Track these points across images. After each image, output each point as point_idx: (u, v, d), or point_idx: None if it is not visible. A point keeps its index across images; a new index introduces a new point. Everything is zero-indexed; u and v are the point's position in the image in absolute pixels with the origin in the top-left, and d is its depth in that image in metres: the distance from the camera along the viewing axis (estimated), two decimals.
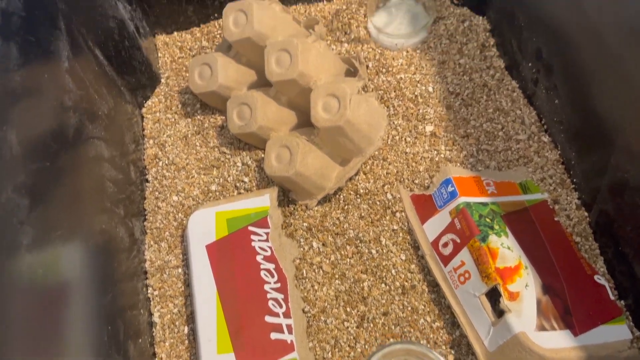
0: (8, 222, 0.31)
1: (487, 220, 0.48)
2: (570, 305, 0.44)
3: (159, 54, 0.65)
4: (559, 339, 0.42)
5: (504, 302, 0.43)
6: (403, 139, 0.56)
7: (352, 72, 0.58)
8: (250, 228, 0.50)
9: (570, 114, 0.49)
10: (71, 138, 0.42)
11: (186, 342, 0.49)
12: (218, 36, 0.65)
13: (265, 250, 0.49)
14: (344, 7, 0.65)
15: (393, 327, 0.48)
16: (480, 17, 0.61)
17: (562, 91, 0.50)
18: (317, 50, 0.53)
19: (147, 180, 0.57)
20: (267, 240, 0.49)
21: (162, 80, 0.64)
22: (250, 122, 0.53)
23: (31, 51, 0.39)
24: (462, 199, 0.49)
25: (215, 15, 0.66)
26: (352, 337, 0.48)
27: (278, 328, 0.46)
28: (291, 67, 0.51)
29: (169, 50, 0.66)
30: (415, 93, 0.58)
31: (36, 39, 0.40)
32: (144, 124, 0.61)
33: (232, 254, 0.49)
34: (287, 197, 0.54)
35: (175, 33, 0.67)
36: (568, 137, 0.50)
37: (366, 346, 0.47)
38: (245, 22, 0.54)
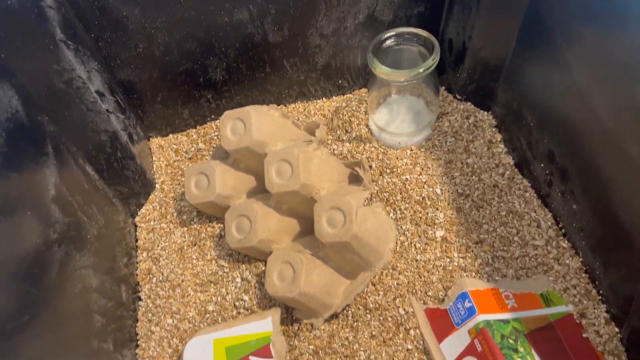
0: None
1: (511, 341, 0.44)
2: None
3: (154, 158, 0.63)
4: None
5: None
6: (413, 245, 0.53)
7: (355, 176, 0.55)
8: (252, 358, 0.45)
9: (592, 221, 0.46)
10: (55, 278, 0.38)
11: None
12: (215, 137, 0.63)
13: None
14: (344, 104, 0.64)
15: None
16: (485, 113, 0.60)
17: (580, 197, 0.47)
18: (319, 159, 0.51)
19: (139, 299, 0.53)
20: None
21: (157, 186, 0.61)
22: (250, 236, 0.50)
23: (14, 190, 0.36)
24: (481, 317, 0.45)
25: (212, 116, 0.64)
26: None
27: None
28: (292, 178, 0.49)
29: (164, 153, 0.63)
30: (423, 195, 0.55)
31: (19, 174, 0.37)
32: (137, 233, 0.58)
33: None
34: (290, 314, 0.50)
35: (171, 135, 0.65)
36: (590, 244, 0.47)
37: None
38: (243, 131, 0.52)
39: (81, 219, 0.45)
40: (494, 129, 0.59)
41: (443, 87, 0.63)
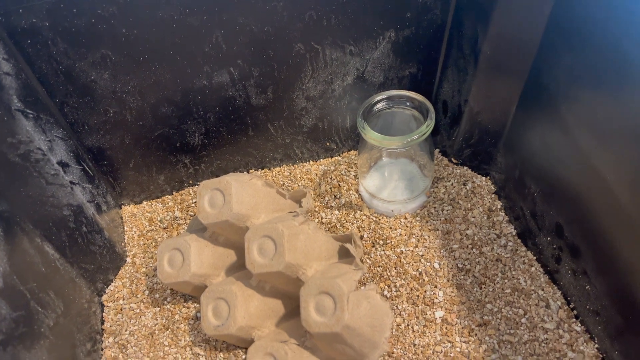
0: None
1: None
2: None
3: (125, 228, 0.58)
4: None
5: None
6: (410, 327, 0.47)
7: (346, 250, 0.50)
8: None
9: (609, 306, 0.42)
10: None
11: None
12: (193, 205, 0.58)
13: None
14: (332, 167, 0.59)
15: None
16: (483, 178, 0.56)
17: (594, 278, 0.43)
18: (305, 234, 0.46)
19: None
20: None
21: (128, 260, 0.55)
22: (229, 323, 0.45)
23: None
24: None
25: (190, 182, 0.59)
26: None
27: None
28: (276, 257, 0.44)
29: (137, 222, 0.58)
30: (420, 270, 0.50)
31: None
32: (103, 314, 0.52)
33: None
34: None
35: (145, 202, 0.60)
36: (608, 331, 0.42)
37: None
38: (222, 203, 0.47)
39: (34, 310, 0.39)
40: (493, 196, 0.55)
41: (437, 150, 0.60)
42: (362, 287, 0.47)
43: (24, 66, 0.42)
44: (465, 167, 0.57)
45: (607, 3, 0.35)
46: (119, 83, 0.47)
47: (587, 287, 0.44)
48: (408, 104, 0.51)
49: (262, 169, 0.61)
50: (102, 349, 0.49)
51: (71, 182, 0.47)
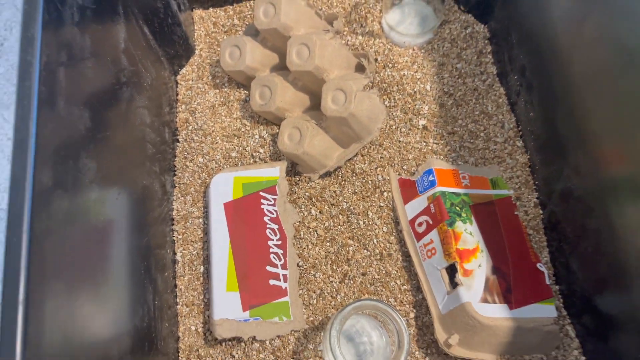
0: (83, 182, 0.41)
1: (457, 208, 0.58)
2: (512, 285, 0.55)
3: (195, 27, 0.73)
4: (496, 311, 0.53)
5: (459, 277, 0.54)
6: (398, 129, 0.65)
7: (361, 66, 0.66)
8: (261, 193, 0.60)
9: (540, 128, 0.58)
10: (124, 110, 0.51)
11: (201, 278, 0.61)
12: (249, 16, 0.73)
13: (272, 213, 0.59)
14: (363, 0, 0.72)
15: (369, 286, 0.59)
16: (482, 25, 0.69)
17: (536, 107, 0.58)
18: (332, 47, 0.61)
19: (177, 141, 0.67)
20: (274, 205, 0.60)
21: (196, 52, 0.72)
22: (270, 103, 0.62)
23: (99, 38, 0.48)
24: (439, 189, 0.59)
25: None
26: (334, 290, 0.59)
27: (276, 276, 0.57)
28: (309, 60, 0.60)
29: (204, 24, 0.74)
30: (415, 89, 0.66)
31: (102, 27, 0.49)
32: (177, 89, 0.70)
33: (245, 212, 0.60)
34: (294, 168, 0.64)
35: (211, 9, 0.74)
36: (536, 145, 0.59)
37: (345, 298, 0.58)
38: (273, 14, 0.62)
39: (140, 70, 0.57)
40: (486, 41, 0.68)
41: None
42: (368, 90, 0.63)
43: None
44: (470, 15, 0.69)
45: None
46: None
47: (531, 113, 0.59)
48: None
49: None
50: (177, 113, 0.69)
51: None
